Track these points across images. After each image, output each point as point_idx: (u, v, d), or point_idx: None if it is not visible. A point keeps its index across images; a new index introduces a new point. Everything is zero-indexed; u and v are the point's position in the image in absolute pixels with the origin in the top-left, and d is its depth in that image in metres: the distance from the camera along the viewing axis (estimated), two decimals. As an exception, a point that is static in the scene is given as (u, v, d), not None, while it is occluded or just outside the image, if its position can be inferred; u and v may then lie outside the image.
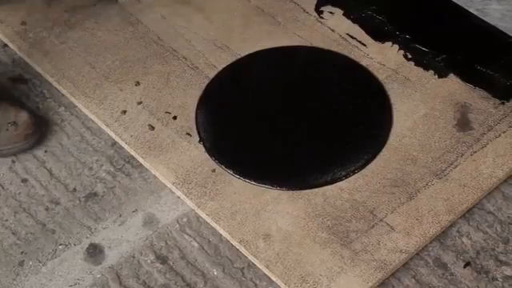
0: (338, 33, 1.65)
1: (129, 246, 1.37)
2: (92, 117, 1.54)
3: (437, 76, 1.57)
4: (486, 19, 1.68)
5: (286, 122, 1.52)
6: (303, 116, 1.53)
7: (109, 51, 1.64)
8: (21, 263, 1.36)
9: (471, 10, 1.70)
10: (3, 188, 1.46)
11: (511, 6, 1.69)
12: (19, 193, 1.46)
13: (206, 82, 1.58)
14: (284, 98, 1.56)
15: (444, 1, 1.70)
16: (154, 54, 1.63)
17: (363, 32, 1.64)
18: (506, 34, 1.65)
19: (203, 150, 1.48)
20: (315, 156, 1.47)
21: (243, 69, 1.61)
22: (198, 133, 1.50)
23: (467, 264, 1.34)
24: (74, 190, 1.46)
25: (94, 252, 1.37)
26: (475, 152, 1.45)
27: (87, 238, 1.39)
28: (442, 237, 1.37)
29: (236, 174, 1.44)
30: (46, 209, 1.43)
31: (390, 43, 1.63)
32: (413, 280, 1.32)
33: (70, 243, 1.38)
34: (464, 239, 1.37)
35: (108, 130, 1.52)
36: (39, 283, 1.34)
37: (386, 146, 1.47)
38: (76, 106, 1.57)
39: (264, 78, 1.59)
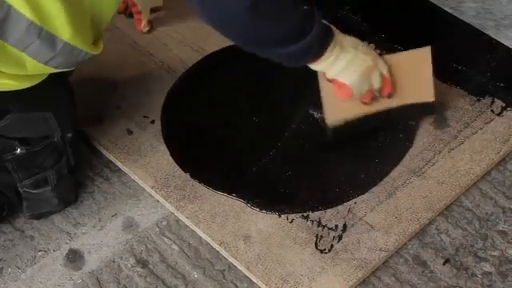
0: (314, 33, 1.65)
1: (109, 251, 1.37)
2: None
3: (413, 74, 1.59)
4: (461, 17, 1.69)
5: (263, 128, 1.52)
6: (285, 121, 1.52)
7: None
8: (0, 270, 1.35)
9: (446, 9, 1.71)
10: (-19, 195, 1.46)
11: (485, 3, 1.70)
12: (-3, 200, 1.45)
13: (184, 85, 1.59)
14: (258, 99, 1.56)
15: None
16: (131, 58, 1.63)
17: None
18: (480, 31, 1.66)
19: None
20: (308, 174, 1.44)
21: (212, 67, 1.61)
22: (166, 143, 1.49)
23: (446, 261, 1.34)
24: (53, 195, 1.45)
25: (74, 257, 1.36)
26: (452, 149, 1.46)
27: (66, 243, 1.38)
28: (421, 234, 1.37)
29: (211, 188, 1.42)
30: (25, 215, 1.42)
31: (365, 42, 1.63)
32: (393, 278, 1.32)
33: (49, 249, 1.37)
34: (443, 236, 1.37)
35: (86, 135, 1.51)
36: (19, 290, 1.34)
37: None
38: (53, 112, 1.56)
39: (236, 77, 1.59)
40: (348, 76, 1.33)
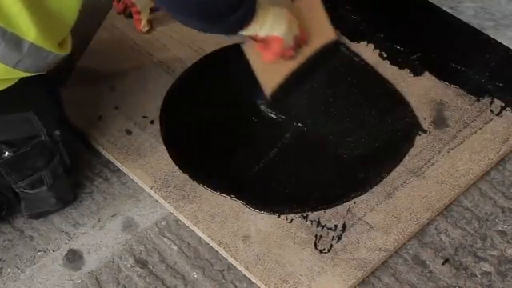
0: (313, 33, 1.66)
1: (108, 251, 1.37)
2: (68, 122, 1.54)
3: (412, 74, 1.58)
4: (460, 17, 1.69)
5: (263, 128, 1.52)
6: (286, 120, 1.52)
7: (85, 57, 1.63)
8: (-1, 271, 1.36)
9: (445, 8, 1.71)
10: (-20, 196, 1.45)
11: (484, 3, 1.70)
12: (-4, 200, 1.45)
13: (183, 85, 1.59)
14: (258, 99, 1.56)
15: (418, -1, 1.72)
16: (130, 58, 1.63)
17: (338, 32, 1.65)
18: (479, 31, 1.66)
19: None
20: (308, 174, 1.44)
21: (212, 67, 1.61)
22: (165, 143, 1.49)
23: (446, 261, 1.34)
24: (52, 195, 1.45)
25: (73, 258, 1.36)
26: (452, 149, 1.46)
27: (66, 243, 1.38)
28: (420, 234, 1.37)
29: (210, 188, 1.42)
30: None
31: (365, 42, 1.63)
32: (392, 278, 1.32)
33: (48, 249, 1.37)
34: (442, 236, 1.37)
35: (85, 135, 1.51)
36: (18, 290, 1.34)
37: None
38: (52, 112, 1.56)
39: (235, 77, 1.59)
40: (278, 28, 1.42)
